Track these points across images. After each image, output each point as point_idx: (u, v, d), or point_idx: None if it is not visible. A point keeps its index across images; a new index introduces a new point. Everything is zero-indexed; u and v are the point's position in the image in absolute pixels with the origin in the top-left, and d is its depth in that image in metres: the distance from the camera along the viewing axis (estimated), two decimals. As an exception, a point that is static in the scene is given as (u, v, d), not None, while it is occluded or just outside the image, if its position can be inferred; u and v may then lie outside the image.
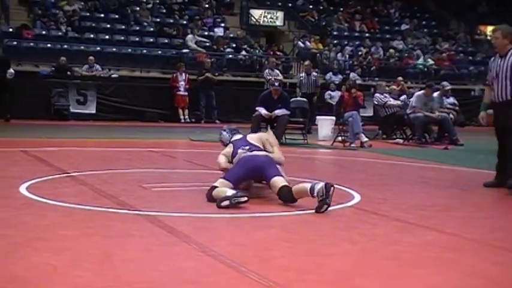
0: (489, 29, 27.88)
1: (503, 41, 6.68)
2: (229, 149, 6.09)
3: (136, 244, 4.04)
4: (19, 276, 3.29)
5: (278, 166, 5.86)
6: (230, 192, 5.32)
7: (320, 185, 5.16)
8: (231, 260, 3.70)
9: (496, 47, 6.90)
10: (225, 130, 6.47)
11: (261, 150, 5.96)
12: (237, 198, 5.25)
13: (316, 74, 16.55)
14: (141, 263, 3.60)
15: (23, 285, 3.19)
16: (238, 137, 6.24)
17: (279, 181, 5.53)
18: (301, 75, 16.61)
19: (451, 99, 15.82)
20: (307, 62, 16.69)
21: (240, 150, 5.90)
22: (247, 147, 5.92)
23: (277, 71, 17.57)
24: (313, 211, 5.29)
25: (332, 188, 5.15)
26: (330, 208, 5.32)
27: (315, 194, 5.16)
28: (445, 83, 15.25)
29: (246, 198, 5.28)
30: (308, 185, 5.29)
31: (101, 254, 3.77)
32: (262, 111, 11.38)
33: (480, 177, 7.50)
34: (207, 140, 12.13)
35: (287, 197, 5.45)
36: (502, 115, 6.77)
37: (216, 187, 5.50)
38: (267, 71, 17.42)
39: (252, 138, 6.18)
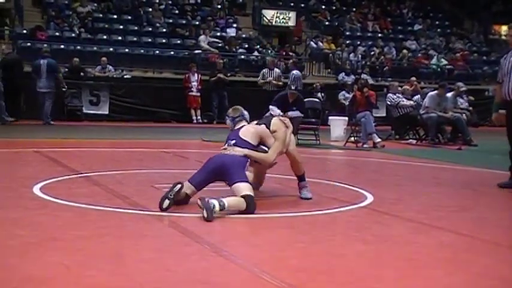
0: (503, 28, 27.67)
1: None
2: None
3: (148, 244, 4.05)
4: (33, 276, 3.31)
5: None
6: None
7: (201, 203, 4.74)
8: (243, 261, 3.70)
9: (510, 45, 6.96)
10: (228, 116, 5.88)
11: (247, 148, 5.40)
12: (172, 191, 5.03)
13: (279, 71, 16.37)
14: (153, 264, 3.60)
15: (37, 285, 3.20)
16: (239, 125, 5.68)
17: (239, 189, 5.05)
18: (264, 70, 16.73)
19: (465, 100, 15.72)
20: (269, 58, 16.62)
21: (225, 145, 5.53)
22: (232, 142, 5.47)
23: (278, 70, 17.35)
24: (326, 212, 5.28)
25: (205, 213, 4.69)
26: (342, 209, 5.31)
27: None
28: (460, 83, 15.15)
29: (179, 186, 5.06)
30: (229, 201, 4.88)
31: (113, 254, 3.78)
32: (276, 110, 11.39)
33: (494, 178, 7.44)
34: (219, 141, 12.13)
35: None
36: None
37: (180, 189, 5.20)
38: (264, 70, 17.23)
39: (247, 132, 5.55)
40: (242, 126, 5.64)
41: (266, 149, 5.57)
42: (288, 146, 5.74)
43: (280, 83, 16.83)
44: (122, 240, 4.12)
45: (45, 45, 16.66)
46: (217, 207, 4.76)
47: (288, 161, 5.97)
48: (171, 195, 5.03)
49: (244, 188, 5.06)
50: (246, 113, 5.84)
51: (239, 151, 5.36)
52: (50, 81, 14.63)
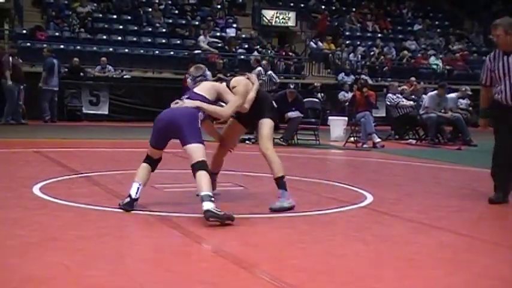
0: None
1: (506, 38, 5.85)
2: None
3: (148, 244, 4.05)
4: (33, 276, 3.31)
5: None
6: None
7: (204, 208, 4.60)
8: (243, 261, 3.70)
9: (499, 45, 6.00)
10: (189, 75, 5.67)
11: (189, 100, 5.14)
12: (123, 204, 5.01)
13: (260, 69, 15.86)
14: (153, 264, 3.61)
15: (37, 285, 3.20)
16: (199, 85, 5.42)
17: (191, 154, 4.94)
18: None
19: (466, 100, 15.74)
20: (252, 57, 16.34)
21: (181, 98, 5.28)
22: (185, 97, 5.24)
23: (260, 69, 16.08)
24: (326, 212, 5.29)
25: (210, 219, 4.59)
26: (342, 209, 5.31)
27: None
28: (467, 87, 15.30)
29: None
30: (202, 192, 4.70)
31: (113, 254, 3.79)
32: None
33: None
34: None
35: (194, 174, 4.92)
36: None
37: (147, 155, 5.22)
38: (260, 69, 16.26)
39: (202, 87, 5.30)
40: (196, 86, 5.41)
41: (224, 105, 5.30)
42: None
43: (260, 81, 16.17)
44: (121, 240, 4.12)
45: (45, 45, 16.66)
46: (212, 205, 4.63)
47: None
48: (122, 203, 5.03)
49: (198, 152, 4.91)
50: (208, 73, 5.61)
51: (190, 103, 5.09)
52: (57, 79, 15.28)
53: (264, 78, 14.74)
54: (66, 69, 16.88)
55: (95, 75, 17.06)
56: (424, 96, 14.54)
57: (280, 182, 5.30)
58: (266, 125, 5.45)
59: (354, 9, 25.98)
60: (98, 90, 16.55)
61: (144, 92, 16.99)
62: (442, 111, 13.21)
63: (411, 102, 14.22)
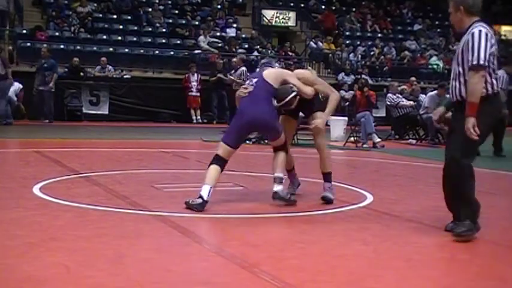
0: (503, 29, 27.72)
1: (456, 15, 4.67)
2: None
3: (148, 244, 4.05)
4: (32, 276, 3.31)
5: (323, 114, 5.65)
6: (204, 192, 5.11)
7: (274, 189, 5.25)
8: (243, 261, 3.70)
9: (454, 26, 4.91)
10: (261, 66, 6.03)
11: (268, 91, 5.36)
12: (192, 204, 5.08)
13: (243, 69, 15.24)
14: (153, 264, 3.60)
15: (37, 285, 3.20)
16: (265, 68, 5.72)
17: (278, 142, 5.43)
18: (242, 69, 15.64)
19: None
20: (235, 58, 16.12)
21: (247, 81, 5.56)
22: (254, 80, 5.44)
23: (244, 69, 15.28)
24: (325, 211, 5.29)
25: (280, 200, 5.25)
26: (342, 209, 5.32)
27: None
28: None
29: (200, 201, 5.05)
30: (276, 172, 5.30)
31: (113, 254, 3.78)
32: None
33: (493, 178, 7.45)
34: (219, 141, 12.13)
35: (275, 151, 5.48)
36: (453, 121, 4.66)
37: (217, 156, 5.30)
38: (244, 69, 15.27)
39: (269, 74, 5.48)
40: (262, 70, 5.67)
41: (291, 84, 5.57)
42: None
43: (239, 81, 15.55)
44: (121, 240, 4.12)
45: (44, 45, 16.66)
46: (280, 188, 5.21)
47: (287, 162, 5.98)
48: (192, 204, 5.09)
49: (282, 140, 5.39)
50: (275, 64, 5.95)
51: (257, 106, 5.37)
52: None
53: (244, 78, 14.62)
54: (67, 69, 16.89)
55: (95, 75, 17.07)
56: (422, 96, 14.54)
57: (328, 177, 5.73)
58: (320, 119, 5.71)
59: (354, 9, 25.97)
60: (98, 90, 16.56)
61: (144, 92, 17.00)
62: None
63: (411, 102, 14.23)
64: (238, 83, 14.61)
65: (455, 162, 4.38)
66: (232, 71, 15.29)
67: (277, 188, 5.21)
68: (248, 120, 5.30)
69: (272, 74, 5.49)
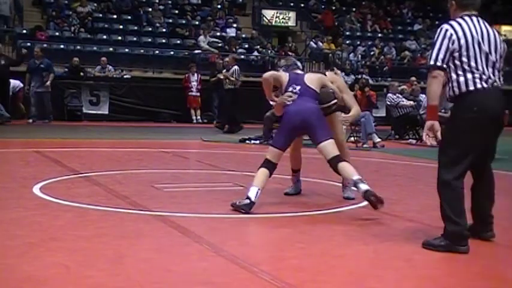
0: (503, 28, 27.68)
1: (451, 9, 4.40)
2: (283, 74, 5.54)
3: (148, 244, 4.05)
4: (32, 276, 3.30)
5: (340, 116, 5.72)
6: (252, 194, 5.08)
7: (361, 192, 5.03)
8: (243, 261, 3.69)
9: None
10: (281, 67, 5.89)
11: (313, 97, 5.38)
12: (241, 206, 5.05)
13: (236, 68, 14.82)
14: (153, 264, 3.60)
15: (37, 285, 3.20)
16: (297, 71, 5.70)
17: (328, 149, 5.23)
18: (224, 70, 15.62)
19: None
20: (227, 58, 16.04)
21: (289, 89, 5.39)
22: (298, 88, 5.37)
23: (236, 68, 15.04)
24: (325, 211, 5.29)
25: (372, 197, 4.96)
26: (342, 209, 5.31)
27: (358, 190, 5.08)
28: None
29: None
30: (353, 176, 5.11)
31: (113, 254, 3.78)
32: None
33: (494, 178, 7.43)
34: (219, 141, 12.15)
35: (336, 171, 5.29)
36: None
37: (266, 160, 5.25)
38: (236, 68, 15.05)
39: (311, 80, 5.50)
40: (302, 74, 5.62)
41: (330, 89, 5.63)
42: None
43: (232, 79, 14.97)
44: (121, 240, 4.12)
45: (44, 45, 16.66)
46: (367, 186, 5.04)
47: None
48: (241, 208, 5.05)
49: (333, 148, 5.24)
50: (299, 63, 5.89)
51: (310, 104, 5.36)
52: None
53: (236, 77, 14.57)
54: (67, 69, 16.88)
55: (95, 75, 17.07)
56: (422, 96, 14.53)
57: None
58: (338, 120, 5.84)
59: (354, 9, 25.97)
60: (98, 90, 16.56)
61: (144, 92, 17.00)
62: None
63: (411, 102, 14.22)
64: (232, 81, 14.62)
65: (437, 177, 4.22)
66: (224, 70, 15.27)
67: (364, 187, 5.02)
68: (298, 122, 5.25)
69: (314, 79, 5.53)
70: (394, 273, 3.62)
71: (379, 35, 24.75)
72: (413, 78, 16.40)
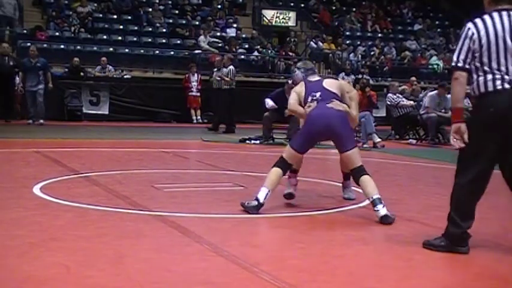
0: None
1: (485, 1, 4.25)
2: (300, 87, 5.32)
3: (149, 244, 4.05)
4: (32, 276, 3.30)
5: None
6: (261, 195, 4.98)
7: (378, 214, 4.83)
8: (243, 261, 3.69)
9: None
10: (299, 69, 5.60)
11: (335, 100, 5.19)
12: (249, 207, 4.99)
13: (232, 68, 14.80)
14: (153, 264, 3.60)
15: (37, 285, 3.20)
16: (314, 78, 5.42)
17: (352, 160, 5.06)
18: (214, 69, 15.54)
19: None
20: (223, 57, 15.92)
21: (309, 99, 5.20)
22: (318, 94, 5.17)
23: (229, 69, 14.84)
24: (325, 211, 5.29)
25: (389, 220, 4.82)
26: (342, 209, 5.31)
27: (375, 211, 4.88)
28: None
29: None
30: (371, 197, 4.92)
31: (113, 254, 3.78)
32: (269, 103, 11.48)
33: (494, 178, 7.43)
34: (219, 141, 12.15)
35: (356, 182, 5.12)
36: None
37: (281, 158, 5.11)
38: (232, 68, 14.98)
39: (331, 84, 5.33)
40: (319, 80, 5.39)
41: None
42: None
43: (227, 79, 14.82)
44: (122, 240, 4.12)
45: (45, 45, 16.64)
46: (386, 210, 4.89)
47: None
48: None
49: (357, 158, 5.06)
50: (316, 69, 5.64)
51: (339, 105, 5.17)
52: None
53: (231, 77, 14.53)
54: (67, 69, 16.88)
55: (95, 75, 17.07)
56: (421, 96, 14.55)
57: (349, 175, 5.67)
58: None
59: (354, 9, 25.97)
60: (98, 90, 16.56)
61: (144, 92, 17.00)
62: (443, 111, 13.21)
63: (411, 102, 14.23)
64: (227, 82, 14.59)
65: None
66: (215, 69, 15.22)
67: (384, 211, 4.85)
68: (322, 126, 5.08)
69: (334, 83, 5.37)
70: (394, 273, 3.62)
71: (379, 35, 24.75)
72: (413, 78, 16.40)
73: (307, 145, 5.22)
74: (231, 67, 14.73)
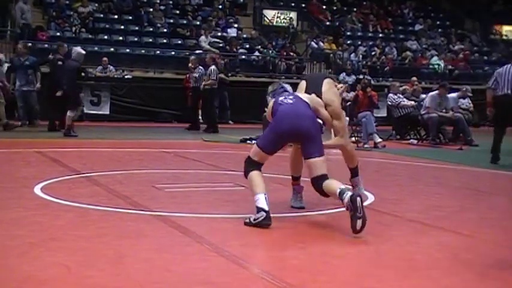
0: (504, 28, 27.68)
1: None
2: (270, 103, 5.06)
3: (149, 245, 4.05)
4: (33, 276, 3.30)
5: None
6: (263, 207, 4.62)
7: (347, 199, 4.38)
8: (244, 261, 3.69)
9: None
10: (268, 94, 5.34)
11: (308, 107, 4.92)
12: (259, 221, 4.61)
13: (213, 67, 14.61)
14: (154, 264, 3.60)
15: (37, 285, 3.20)
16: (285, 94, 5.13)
17: (316, 166, 4.72)
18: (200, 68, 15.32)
19: (466, 100, 15.73)
20: (192, 57, 15.80)
21: (280, 98, 4.96)
22: (290, 97, 4.96)
23: (214, 68, 14.75)
24: (326, 212, 5.28)
25: (358, 198, 4.35)
26: (342, 209, 5.29)
27: (345, 206, 4.44)
28: (468, 87, 15.31)
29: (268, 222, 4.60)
30: (338, 189, 4.53)
31: (114, 254, 3.78)
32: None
33: (495, 178, 7.44)
34: (220, 141, 12.15)
35: (319, 190, 4.76)
36: None
37: (250, 160, 4.88)
38: (214, 68, 14.83)
39: (303, 95, 5.12)
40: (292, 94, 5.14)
41: (320, 121, 5.09)
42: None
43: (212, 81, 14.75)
44: (122, 240, 4.12)
45: (45, 45, 16.63)
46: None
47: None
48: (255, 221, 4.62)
49: (322, 166, 4.73)
50: (287, 86, 5.31)
51: (307, 109, 4.89)
52: None
53: (214, 78, 14.48)
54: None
55: (96, 76, 17.06)
56: (422, 96, 14.54)
57: (355, 171, 5.86)
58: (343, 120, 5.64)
59: (355, 9, 25.97)
60: (99, 91, 16.56)
61: (145, 92, 17.01)
62: (443, 111, 13.21)
63: (412, 102, 14.23)
64: (209, 83, 14.49)
65: None
66: (194, 69, 15.16)
67: (349, 193, 4.44)
68: (287, 126, 4.79)
69: (307, 96, 5.10)
70: (394, 273, 3.62)
71: (380, 35, 24.75)
72: (414, 78, 16.40)
73: (272, 146, 4.89)
74: (213, 67, 14.62)
